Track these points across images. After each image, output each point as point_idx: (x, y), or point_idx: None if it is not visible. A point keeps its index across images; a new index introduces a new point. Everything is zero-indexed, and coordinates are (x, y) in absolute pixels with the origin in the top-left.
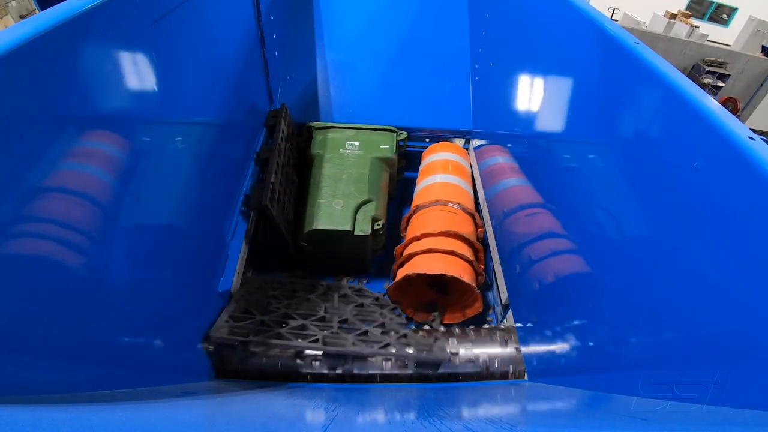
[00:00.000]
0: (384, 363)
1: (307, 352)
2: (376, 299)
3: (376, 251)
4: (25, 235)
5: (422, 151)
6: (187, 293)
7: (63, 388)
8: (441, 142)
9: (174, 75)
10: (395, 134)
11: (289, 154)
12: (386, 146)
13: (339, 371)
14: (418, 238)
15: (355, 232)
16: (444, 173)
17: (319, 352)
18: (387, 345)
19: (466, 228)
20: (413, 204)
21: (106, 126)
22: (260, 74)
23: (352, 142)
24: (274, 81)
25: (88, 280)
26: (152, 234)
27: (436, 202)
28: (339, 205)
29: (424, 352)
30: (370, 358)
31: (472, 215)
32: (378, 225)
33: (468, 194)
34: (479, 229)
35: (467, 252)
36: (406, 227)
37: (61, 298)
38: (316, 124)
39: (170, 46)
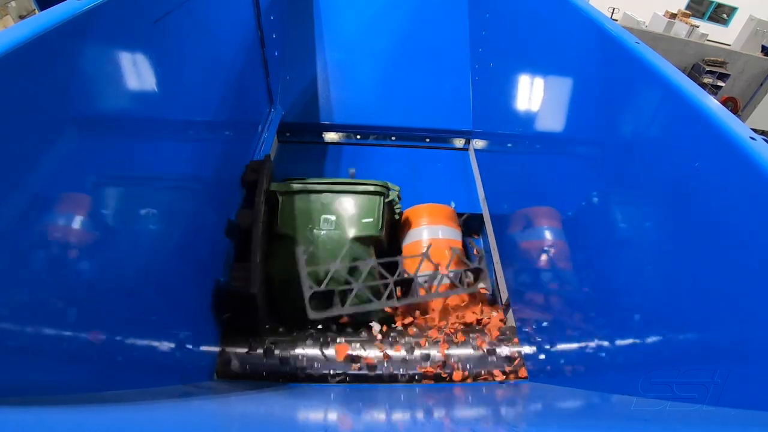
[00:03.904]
0: (386, 363)
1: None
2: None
3: None
4: (24, 235)
5: (419, 152)
6: (187, 293)
7: (63, 389)
8: (421, 208)
9: (175, 75)
10: (382, 196)
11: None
12: (369, 219)
13: (341, 372)
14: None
15: None
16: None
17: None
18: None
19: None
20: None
21: (106, 127)
22: (260, 74)
23: (328, 217)
24: (274, 81)
25: (88, 281)
26: (153, 233)
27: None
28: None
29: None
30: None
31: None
32: None
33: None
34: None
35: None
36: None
37: (61, 298)
38: (281, 187)
39: (171, 46)
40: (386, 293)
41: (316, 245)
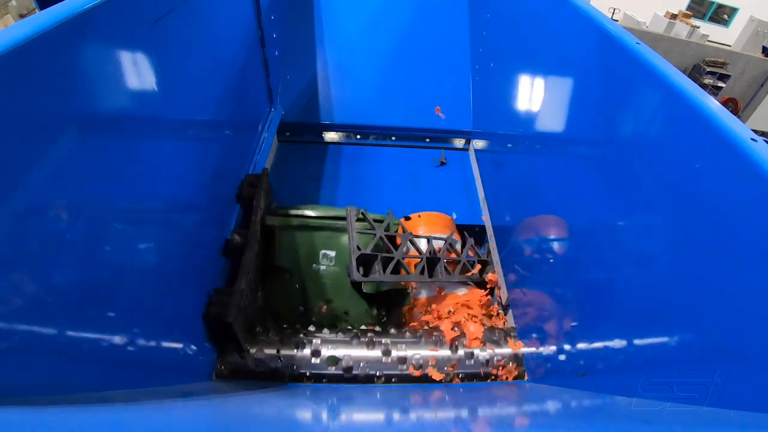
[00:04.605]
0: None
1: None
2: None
3: None
4: (24, 234)
5: (419, 153)
6: (187, 292)
7: (63, 389)
8: (421, 218)
9: (176, 75)
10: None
11: (261, 237)
12: None
13: (339, 371)
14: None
15: None
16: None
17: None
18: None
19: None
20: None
21: (106, 127)
22: (260, 74)
23: (327, 252)
24: (274, 80)
25: (88, 282)
26: (154, 234)
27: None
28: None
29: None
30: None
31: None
32: None
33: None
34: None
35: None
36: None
37: (60, 299)
38: (276, 221)
39: (171, 46)
40: (419, 269)
41: (315, 280)
